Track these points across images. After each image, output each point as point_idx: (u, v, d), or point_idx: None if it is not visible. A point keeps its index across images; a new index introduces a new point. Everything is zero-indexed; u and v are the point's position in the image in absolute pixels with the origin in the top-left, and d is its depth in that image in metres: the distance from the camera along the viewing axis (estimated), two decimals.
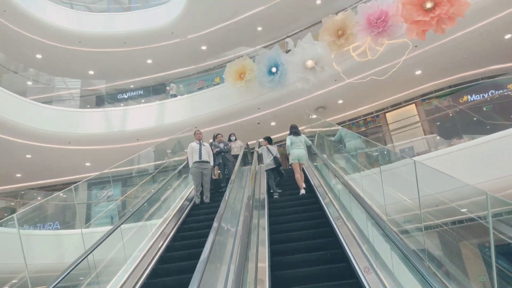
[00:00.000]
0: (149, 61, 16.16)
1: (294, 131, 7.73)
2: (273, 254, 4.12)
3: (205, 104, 12.31)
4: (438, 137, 11.78)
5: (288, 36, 12.20)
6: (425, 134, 12.06)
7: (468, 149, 7.31)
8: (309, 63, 10.31)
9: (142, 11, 15.06)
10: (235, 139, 10.10)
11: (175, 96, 14.07)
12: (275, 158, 7.76)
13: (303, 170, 8.14)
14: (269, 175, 7.79)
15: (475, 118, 12.81)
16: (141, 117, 12.75)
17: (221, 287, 2.42)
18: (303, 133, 8.38)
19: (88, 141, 12.65)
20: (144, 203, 5.42)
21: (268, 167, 7.78)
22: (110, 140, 12.70)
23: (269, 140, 8.23)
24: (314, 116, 11.40)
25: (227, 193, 4.30)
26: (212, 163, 7.79)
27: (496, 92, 12.21)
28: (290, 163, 7.58)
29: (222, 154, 9.09)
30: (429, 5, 8.52)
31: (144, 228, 5.25)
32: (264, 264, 3.61)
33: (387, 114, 13.47)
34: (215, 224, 3.19)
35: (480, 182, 6.14)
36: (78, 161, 13.96)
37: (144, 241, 4.82)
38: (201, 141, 7.80)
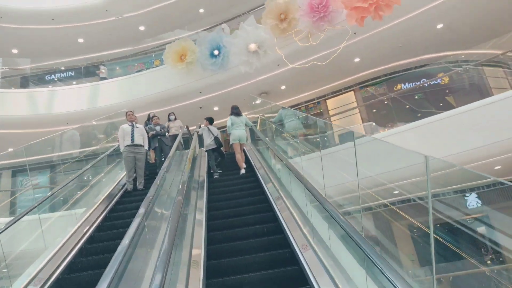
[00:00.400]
0: (81, 40, 14.99)
1: (236, 111, 7.72)
2: (209, 230, 4.11)
3: (143, 86, 11.68)
4: (374, 124, 12.30)
5: (231, 19, 11.90)
6: (362, 121, 12.54)
7: (400, 134, 7.72)
8: (252, 46, 10.14)
9: None
10: (175, 119, 9.55)
11: (105, 79, 13.18)
12: (216, 139, 7.81)
13: (244, 151, 8.11)
14: (209, 155, 7.82)
15: (407, 106, 13.56)
16: (71, 99, 11.79)
17: (150, 272, 2.17)
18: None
19: (10, 124, 11.46)
20: (57, 190, 4.72)
21: (209, 148, 7.82)
22: (36, 124, 11.60)
23: (210, 121, 8.23)
24: (258, 101, 11.32)
25: (159, 176, 4.00)
26: (146, 147, 7.19)
27: (427, 80, 13.01)
28: (230, 143, 7.59)
29: (159, 137, 8.55)
30: None
31: (67, 217, 4.77)
32: (200, 243, 3.46)
33: (328, 101, 13.79)
34: (141, 210, 2.90)
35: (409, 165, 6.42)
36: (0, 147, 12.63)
37: (65, 231, 4.29)
38: (133, 123, 7.10)
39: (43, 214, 4.21)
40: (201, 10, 14.40)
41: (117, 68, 15.38)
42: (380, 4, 8.59)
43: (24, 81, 14.93)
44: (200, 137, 8.50)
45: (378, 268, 1.85)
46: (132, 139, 6.80)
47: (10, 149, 13.23)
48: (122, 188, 6.68)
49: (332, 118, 13.53)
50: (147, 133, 7.97)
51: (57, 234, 4.16)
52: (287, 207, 4.17)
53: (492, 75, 12.45)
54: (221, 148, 8.04)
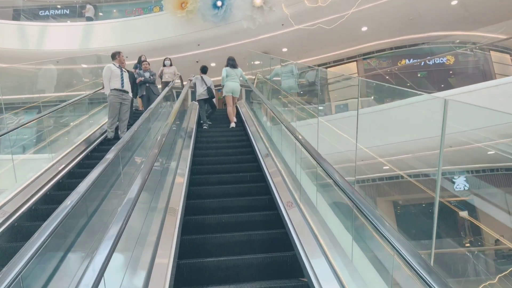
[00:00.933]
0: None
1: (232, 63, 7.43)
2: (191, 185, 4.00)
3: (139, 32, 11.15)
4: (372, 98, 12.05)
5: None
6: (361, 95, 12.25)
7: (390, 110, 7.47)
8: (258, 1, 9.65)
9: None
10: (170, 64, 9.01)
11: (91, 19, 12.54)
12: (208, 89, 7.60)
13: (236, 108, 7.96)
14: (201, 105, 7.64)
15: (408, 84, 13.28)
16: (63, 37, 11.26)
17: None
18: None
19: None
20: (14, 129, 4.19)
21: (201, 97, 7.63)
22: (24, 58, 11.09)
23: (203, 70, 7.89)
24: (258, 62, 10.91)
25: (137, 122, 3.72)
26: (130, 94, 6.33)
27: (431, 57, 12.65)
28: (223, 95, 7.42)
29: (147, 85, 7.73)
30: None
31: (36, 161, 4.49)
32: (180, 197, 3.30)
33: (328, 69, 13.42)
34: (108, 155, 2.54)
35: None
36: None
37: (30, 173, 3.94)
38: (121, 67, 6.13)
39: (18, 155, 3.96)
40: None
41: (114, 10, 14.69)
42: None
43: (16, 14, 14.22)
44: (193, 91, 8.19)
45: (373, 224, 1.68)
46: (122, 83, 5.94)
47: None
48: (102, 134, 6.13)
49: (330, 87, 13.22)
50: (135, 78, 7.56)
51: (22, 175, 3.81)
52: (276, 165, 4.00)
53: (499, 60, 12.16)
54: (213, 100, 7.91)
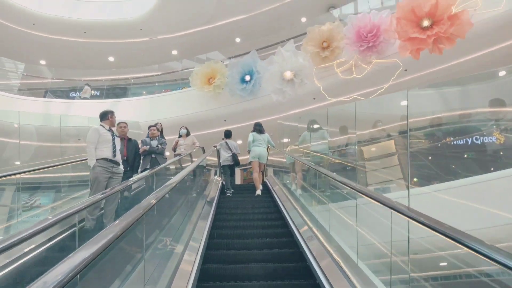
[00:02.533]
0: (111, 59, 14.65)
1: (258, 128, 7.40)
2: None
3: (164, 108, 10.86)
4: (415, 179, 10.82)
5: (269, 46, 11.11)
6: (403, 176, 11.06)
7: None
8: (288, 74, 9.19)
9: (110, 2, 13.71)
10: (187, 134, 7.72)
11: (87, 99, 12.41)
12: (234, 155, 7.49)
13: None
14: (225, 171, 7.53)
15: (453, 166, 12.01)
16: (88, 113, 11.04)
17: None
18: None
19: (21, 134, 10.73)
20: None
21: (225, 163, 7.51)
22: (47, 137, 10.85)
23: (227, 135, 7.85)
24: (286, 140, 10.13)
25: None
26: (122, 167, 4.86)
27: (480, 137, 11.53)
28: (249, 160, 7.23)
29: (153, 156, 6.31)
30: (426, 23, 7.70)
31: None
32: None
33: (363, 148, 12.46)
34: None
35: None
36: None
37: None
38: (113, 132, 4.80)
39: None
40: (238, 40, 13.86)
41: (144, 92, 14.87)
42: (441, 36, 7.52)
43: (47, 95, 14.59)
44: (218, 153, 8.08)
45: None
46: (114, 152, 4.57)
47: (17, 162, 12.54)
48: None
49: (367, 167, 12.12)
50: (139, 147, 6.25)
51: None
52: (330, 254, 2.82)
53: None
54: (236, 167, 7.80)
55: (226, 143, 7.67)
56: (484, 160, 11.77)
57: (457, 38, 7.51)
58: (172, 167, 5.96)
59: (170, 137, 10.54)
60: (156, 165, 5.95)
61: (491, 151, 12.14)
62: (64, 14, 12.66)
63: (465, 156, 12.89)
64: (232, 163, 7.48)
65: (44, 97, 13.92)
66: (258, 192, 6.94)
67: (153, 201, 2.67)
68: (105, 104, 11.51)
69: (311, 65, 9.15)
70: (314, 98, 9.78)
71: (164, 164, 5.38)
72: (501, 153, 12.52)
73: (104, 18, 12.81)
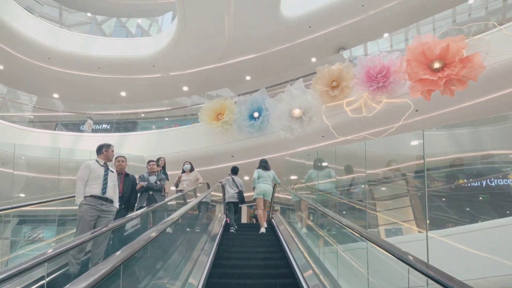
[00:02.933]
0: (123, 94, 14.90)
1: (264, 165, 7.40)
2: None
3: (172, 142, 10.85)
4: (428, 221, 10.43)
5: (279, 84, 11.21)
6: (415, 218, 10.69)
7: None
8: (297, 111, 9.18)
9: (125, 39, 14.15)
10: (191, 169, 7.36)
11: (88, 132, 12.44)
12: (239, 192, 7.50)
13: (271, 223, 7.17)
14: (229, 208, 7.50)
15: (467, 208, 11.60)
16: (94, 145, 11.06)
17: None
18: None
19: (28, 166, 10.74)
20: None
21: (230, 200, 7.49)
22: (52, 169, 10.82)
23: (234, 171, 7.90)
24: (293, 177, 9.97)
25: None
26: (116, 204, 4.45)
27: (495, 179, 11.20)
28: (254, 197, 7.18)
29: (150, 193, 5.76)
30: (437, 65, 7.70)
31: None
32: None
33: (373, 188, 12.17)
34: None
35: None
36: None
37: None
38: (107, 165, 4.49)
39: None
40: (248, 78, 14.06)
41: (153, 127, 14.97)
42: (453, 78, 7.48)
43: (59, 129, 14.77)
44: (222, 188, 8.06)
45: None
46: (104, 189, 4.22)
47: (22, 194, 12.49)
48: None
49: (378, 208, 11.77)
50: (136, 183, 5.77)
51: None
52: None
53: None
54: (240, 206, 7.82)
55: (233, 179, 7.72)
56: (498, 203, 11.37)
57: (469, 80, 7.47)
58: (173, 202, 5.75)
59: (174, 172, 10.46)
60: (153, 203, 5.51)
61: (505, 194, 11.74)
62: (79, 49, 13.04)
63: (480, 198, 12.47)
64: (237, 200, 7.49)
65: (55, 129, 14.09)
66: (263, 230, 6.86)
67: (153, 234, 2.51)
68: (113, 138, 11.56)
69: (320, 103, 9.14)
70: (323, 136, 9.68)
71: (161, 202, 5.04)
72: None
73: (118, 55, 13.15)
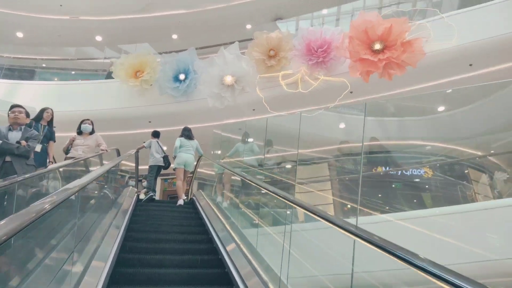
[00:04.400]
0: (20, 35, 12.60)
1: (187, 134, 7.08)
2: None
3: (78, 98, 9.34)
4: (349, 206, 10.66)
5: (209, 47, 10.26)
6: (334, 202, 10.83)
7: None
8: (229, 79, 8.44)
9: None
10: (91, 132, 5.58)
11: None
12: (165, 157, 7.17)
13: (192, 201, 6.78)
14: (152, 173, 7.12)
15: (380, 195, 12.14)
16: None
17: None
18: None
19: None
20: None
21: (156, 163, 7.11)
22: None
23: (156, 134, 7.57)
24: (219, 152, 9.34)
25: None
26: None
27: (409, 168, 11.81)
28: (173, 167, 6.94)
29: (7, 159, 3.69)
30: (378, 46, 7.54)
31: None
32: None
33: (298, 167, 12.09)
34: None
35: None
36: None
37: None
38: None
39: None
40: (175, 36, 12.81)
41: (56, 79, 12.98)
42: (392, 62, 7.39)
43: None
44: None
45: None
46: None
47: None
48: None
49: (298, 189, 11.73)
50: None
51: None
52: None
53: (476, 179, 11.54)
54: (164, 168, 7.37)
55: (158, 142, 7.35)
56: (410, 193, 11.98)
57: (408, 66, 7.44)
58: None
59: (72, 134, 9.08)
60: (8, 172, 3.61)
61: (417, 184, 12.43)
62: None
63: (393, 186, 13.04)
64: (163, 164, 7.19)
65: None
66: (180, 202, 6.61)
67: (46, 206, 1.64)
68: (3, 85, 9.68)
69: (255, 72, 8.52)
70: (254, 109, 9.11)
71: (25, 176, 2.98)
72: (426, 186, 12.88)
73: None
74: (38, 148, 4.59)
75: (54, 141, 5.33)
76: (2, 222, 1.26)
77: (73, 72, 12.63)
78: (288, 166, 8.36)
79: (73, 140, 5.40)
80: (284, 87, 8.42)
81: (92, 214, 3.79)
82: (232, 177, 6.53)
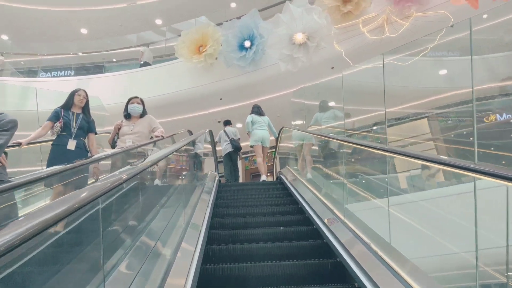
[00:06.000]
0: (84, 31, 12.79)
1: (257, 110, 6.90)
2: None
3: (144, 85, 9.09)
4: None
5: (272, 6, 9.22)
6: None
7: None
8: (299, 36, 7.44)
9: None
10: (142, 113, 4.17)
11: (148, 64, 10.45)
12: (232, 141, 7.15)
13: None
14: (226, 162, 7.25)
15: (492, 148, 10.38)
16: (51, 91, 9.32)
17: None
18: None
19: None
20: None
21: (226, 151, 7.21)
22: None
23: (226, 122, 7.61)
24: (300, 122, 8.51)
25: None
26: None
27: None
28: (250, 145, 6.75)
29: None
30: None
31: None
32: None
33: (389, 129, 10.79)
34: None
35: None
36: None
37: None
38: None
39: None
40: (233, 5, 12.00)
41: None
42: None
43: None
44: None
45: None
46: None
47: None
48: None
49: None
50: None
51: None
52: None
53: None
54: (239, 153, 7.49)
55: (225, 131, 7.39)
56: None
57: None
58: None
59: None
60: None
61: None
62: None
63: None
64: (232, 149, 7.18)
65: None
66: (263, 177, 6.64)
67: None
68: (72, 82, 9.78)
69: (329, 24, 7.40)
70: (332, 68, 8.03)
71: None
72: None
73: None
74: (71, 145, 3.62)
75: (96, 133, 3.99)
76: None
77: (141, 62, 12.63)
78: (375, 127, 7.38)
79: (119, 128, 4.10)
80: (366, 34, 7.20)
81: (175, 195, 3.45)
82: (313, 147, 6.10)
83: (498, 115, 10.04)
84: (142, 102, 4.22)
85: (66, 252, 1.58)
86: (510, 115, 7.79)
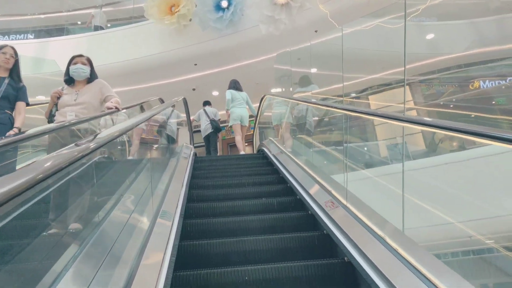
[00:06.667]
0: None
1: (236, 86, 6.68)
2: None
3: (110, 49, 8.35)
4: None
5: None
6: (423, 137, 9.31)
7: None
8: None
9: None
10: (90, 77, 3.07)
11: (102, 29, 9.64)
12: (212, 122, 7.05)
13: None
14: (206, 144, 7.32)
15: (473, 116, 10.33)
16: None
17: None
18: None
19: None
20: None
21: (205, 132, 7.16)
22: None
23: (205, 102, 7.41)
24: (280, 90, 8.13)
25: None
26: None
27: None
28: (229, 124, 6.73)
29: None
30: None
31: None
32: None
33: (371, 97, 10.54)
34: None
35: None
36: None
37: None
38: None
39: None
40: None
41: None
42: None
43: None
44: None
45: None
46: None
47: None
48: None
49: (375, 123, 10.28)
50: None
51: None
52: None
53: None
54: (218, 134, 7.44)
55: (205, 111, 7.25)
56: None
57: None
58: None
59: (123, 89, 8.20)
60: None
61: None
62: None
63: (493, 102, 10.77)
64: (211, 130, 7.12)
65: None
66: (242, 152, 6.58)
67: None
68: (30, 46, 8.95)
69: None
70: (316, 31, 7.53)
71: None
72: None
73: None
74: None
75: (28, 104, 3.21)
76: None
77: (109, 25, 11.70)
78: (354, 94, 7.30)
79: (58, 97, 3.01)
80: None
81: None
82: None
83: (481, 82, 9.82)
84: (90, 63, 3.11)
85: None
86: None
